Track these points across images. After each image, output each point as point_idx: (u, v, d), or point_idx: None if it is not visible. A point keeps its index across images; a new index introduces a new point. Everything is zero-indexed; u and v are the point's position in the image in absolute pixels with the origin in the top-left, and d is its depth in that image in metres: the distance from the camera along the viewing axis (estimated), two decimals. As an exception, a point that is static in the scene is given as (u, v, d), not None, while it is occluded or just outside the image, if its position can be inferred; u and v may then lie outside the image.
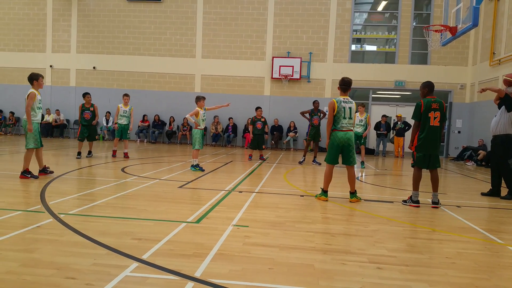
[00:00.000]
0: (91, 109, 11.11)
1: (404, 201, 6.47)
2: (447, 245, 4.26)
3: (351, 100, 6.46)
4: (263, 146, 12.80)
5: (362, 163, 12.16)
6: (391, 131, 18.12)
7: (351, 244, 4.11)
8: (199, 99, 9.66)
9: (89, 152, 11.30)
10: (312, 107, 12.46)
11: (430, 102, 6.25)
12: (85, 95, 11.15)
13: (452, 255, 3.91)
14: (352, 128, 6.45)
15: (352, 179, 6.47)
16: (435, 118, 6.20)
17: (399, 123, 17.53)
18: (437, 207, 6.26)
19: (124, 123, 11.64)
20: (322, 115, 12.37)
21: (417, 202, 6.31)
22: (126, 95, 11.79)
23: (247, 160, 12.63)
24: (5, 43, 20.70)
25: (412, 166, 6.54)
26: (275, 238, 4.19)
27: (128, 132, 11.77)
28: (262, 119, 12.60)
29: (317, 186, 7.81)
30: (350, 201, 6.40)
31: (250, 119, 13.44)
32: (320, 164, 12.23)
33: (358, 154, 13.10)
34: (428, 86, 6.42)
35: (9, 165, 7.55)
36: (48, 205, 5.15)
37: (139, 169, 9.37)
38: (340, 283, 3.08)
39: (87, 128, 10.97)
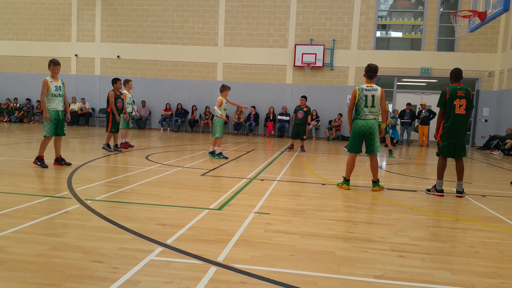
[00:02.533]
0: (122, 97, 10.21)
1: (428, 190, 6.39)
2: (471, 234, 4.20)
3: (376, 87, 6.30)
4: (304, 137, 12.26)
5: (390, 152, 11.98)
6: (415, 119, 17.78)
7: (373, 232, 4.10)
8: (225, 88, 9.57)
9: (116, 146, 10.25)
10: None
11: (456, 90, 6.09)
12: (117, 81, 10.09)
13: (476, 244, 3.86)
14: (375, 117, 6.32)
15: (374, 168, 6.40)
16: (460, 105, 6.05)
17: (423, 111, 17.17)
18: (461, 197, 6.15)
19: (130, 111, 10.91)
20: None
21: (441, 191, 6.22)
22: (129, 80, 10.98)
23: (288, 149, 12.30)
24: (32, 33, 21.18)
25: (437, 155, 6.43)
26: (296, 226, 4.21)
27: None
28: (305, 109, 12.01)
29: (339, 175, 7.78)
30: (372, 190, 6.35)
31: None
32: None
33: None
34: (454, 73, 6.27)
35: (36, 153, 7.81)
36: (75, 192, 5.31)
37: (162, 157, 9.51)
38: (361, 270, 3.09)
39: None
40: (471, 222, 4.72)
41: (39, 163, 7.17)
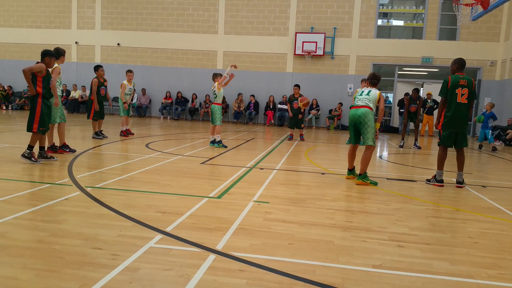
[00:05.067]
0: (105, 83, 10.04)
1: (428, 180, 6.38)
2: (471, 225, 4.22)
3: (376, 89, 6.25)
4: (302, 126, 12.31)
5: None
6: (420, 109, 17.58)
7: (372, 222, 4.11)
8: (216, 75, 9.51)
9: (101, 132, 10.11)
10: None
11: (458, 78, 6.06)
12: (98, 68, 9.93)
13: (475, 235, 3.87)
14: (368, 104, 6.03)
15: (362, 160, 6.06)
16: (462, 95, 6.01)
17: (429, 101, 16.99)
18: (461, 187, 6.15)
19: (127, 100, 10.79)
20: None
21: (441, 181, 6.21)
22: (130, 71, 10.85)
23: (288, 139, 12.21)
24: (32, 20, 21.02)
25: (439, 145, 6.40)
26: (295, 215, 4.22)
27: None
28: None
29: (339, 164, 7.79)
30: (356, 183, 6.00)
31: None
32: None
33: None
34: (458, 63, 6.23)
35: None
36: (75, 179, 5.32)
37: (162, 145, 9.51)
38: (359, 259, 3.10)
39: (101, 106, 9.99)
40: (471, 213, 4.73)
41: (67, 150, 7.27)
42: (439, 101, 6.99)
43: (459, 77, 6.08)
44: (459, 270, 3.00)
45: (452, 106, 6.06)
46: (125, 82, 10.67)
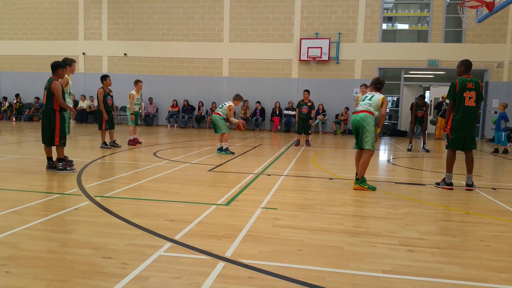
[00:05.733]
0: (111, 94, 10.16)
1: (437, 183, 6.34)
2: (482, 228, 4.17)
3: (379, 94, 6.23)
4: (310, 131, 12.34)
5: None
6: (434, 111, 17.46)
7: (382, 227, 4.08)
8: (239, 98, 9.82)
9: (114, 142, 10.22)
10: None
11: (466, 81, 6.03)
12: (106, 77, 10.08)
13: (486, 238, 3.83)
14: (369, 109, 6.01)
15: (360, 164, 5.99)
16: (470, 98, 5.98)
17: (444, 103, 16.78)
18: (471, 190, 6.10)
19: (137, 110, 10.89)
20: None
21: (451, 184, 6.17)
22: (139, 81, 10.88)
23: (295, 145, 12.18)
24: (40, 32, 21.30)
25: (447, 148, 6.36)
26: (304, 221, 4.21)
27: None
28: (309, 103, 11.99)
29: (346, 169, 7.76)
30: (354, 188, 5.96)
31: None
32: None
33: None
34: (465, 65, 6.21)
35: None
36: (84, 188, 5.36)
37: (170, 153, 9.55)
38: (369, 265, 3.08)
39: (110, 115, 10.10)
40: (481, 216, 4.68)
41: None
42: None
43: (467, 80, 6.05)
44: (471, 274, 2.97)
45: (461, 109, 6.02)
46: (133, 92, 10.69)
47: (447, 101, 6.28)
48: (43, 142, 6.62)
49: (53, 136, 6.44)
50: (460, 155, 6.53)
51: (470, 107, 6.00)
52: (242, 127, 9.83)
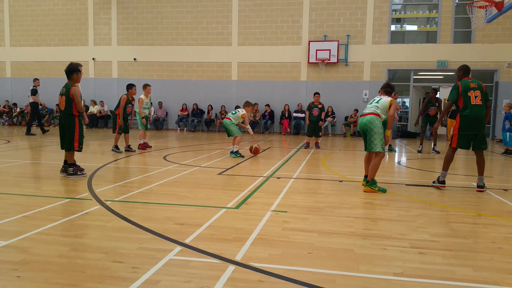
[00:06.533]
0: (133, 102, 10.33)
1: (434, 182, 6.33)
2: (493, 230, 4.12)
3: (386, 97, 6.29)
4: (320, 134, 12.39)
5: (390, 146, 11.89)
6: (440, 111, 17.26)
7: (392, 229, 4.06)
8: (249, 105, 10.00)
9: (128, 147, 10.38)
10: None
11: (468, 82, 6.08)
12: (132, 86, 10.24)
13: (498, 240, 3.78)
14: (376, 112, 6.06)
15: (370, 167, 5.99)
16: (476, 96, 5.97)
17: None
18: (482, 191, 6.03)
19: (147, 114, 10.95)
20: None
21: (443, 182, 6.19)
22: (148, 85, 10.94)
23: (304, 148, 12.17)
24: (51, 39, 21.58)
25: (451, 146, 6.29)
26: (313, 223, 4.20)
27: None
28: (320, 106, 12.00)
29: (356, 171, 7.73)
30: (364, 190, 5.96)
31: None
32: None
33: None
34: (463, 69, 6.32)
35: (57, 156, 8.00)
36: (95, 193, 5.40)
37: (180, 157, 9.59)
38: (380, 268, 3.06)
39: (126, 121, 10.22)
40: (493, 217, 4.63)
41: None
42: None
43: (469, 81, 6.10)
44: (483, 277, 2.93)
45: (468, 108, 5.99)
46: (142, 96, 10.75)
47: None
48: (62, 148, 6.71)
49: (72, 141, 6.54)
50: (471, 157, 6.46)
51: (477, 105, 5.97)
52: (257, 147, 10.03)
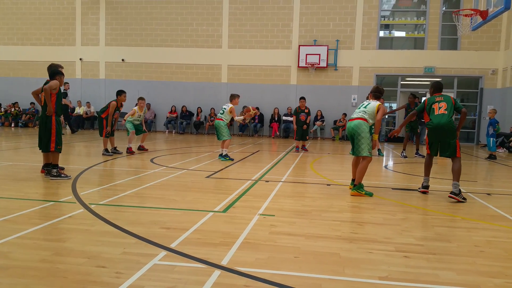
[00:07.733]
0: (121, 109, 10.26)
1: (419, 188, 6.43)
2: (476, 234, 4.17)
3: (375, 101, 6.33)
4: (307, 137, 12.67)
5: (379, 150, 12.07)
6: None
7: (378, 233, 4.07)
8: (234, 97, 9.94)
9: (115, 149, 10.28)
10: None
11: (434, 97, 6.28)
12: (122, 93, 10.04)
13: (481, 244, 3.82)
14: (363, 116, 6.13)
15: (358, 171, 6.04)
16: (440, 107, 6.12)
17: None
18: (454, 198, 5.68)
19: (137, 123, 10.85)
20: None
21: (426, 187, 6.30)
22: (142, 98, 10.88)
23: (295, 151, 12.22)
24: (37, 38, 21.29)
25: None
26: (301, 227, 4.20)
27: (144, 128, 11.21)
28: (306, 110, 12.26)
29: (344, 175, 7.76)
30: (350, 188, 6.22)
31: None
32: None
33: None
34: (433, 86, 6.47)
35: (39, 157, 7.84)
36: (79, 196, 5.33)
37: (167, 159, 9.53)
38: (366, 271, 3.07)
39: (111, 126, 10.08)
40: (476, 221, 4.68)
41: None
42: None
43: (435, 96, 6.29)
44: (465, 280, 2.96)
45: (432, 118, 6.16)
46: (136, 108, 10.68)
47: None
48: (39, 148, 6.59)
49: (49, 142, 6.41)
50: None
51: (439, 114, 6.08)
52: (251, 110, 9.97)
